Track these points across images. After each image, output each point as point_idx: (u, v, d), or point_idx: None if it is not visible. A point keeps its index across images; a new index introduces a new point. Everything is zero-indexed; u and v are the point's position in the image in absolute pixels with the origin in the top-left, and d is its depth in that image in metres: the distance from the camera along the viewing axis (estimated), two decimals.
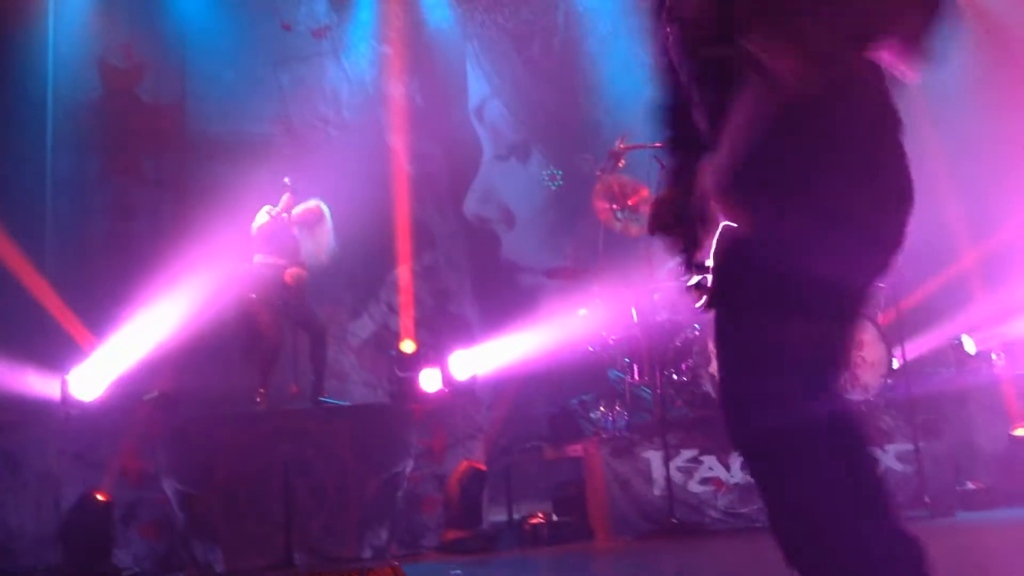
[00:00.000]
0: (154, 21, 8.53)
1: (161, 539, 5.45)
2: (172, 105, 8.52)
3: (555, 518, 6.30)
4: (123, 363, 6.29)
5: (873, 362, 6.46)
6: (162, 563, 5.44)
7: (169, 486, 5.47)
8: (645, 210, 7.19)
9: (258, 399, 6.36)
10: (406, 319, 8.52)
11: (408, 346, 8.01)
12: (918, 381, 6.65)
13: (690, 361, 6.49)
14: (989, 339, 7.68)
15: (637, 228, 7.24)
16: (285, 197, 6.87)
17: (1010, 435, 7.01)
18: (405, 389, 6.56)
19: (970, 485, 6.72)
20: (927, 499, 6.11)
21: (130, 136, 8.33)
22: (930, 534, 4.68)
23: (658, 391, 6.51)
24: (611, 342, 7.12)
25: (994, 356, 7.58)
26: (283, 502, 5.47)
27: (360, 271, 8.53)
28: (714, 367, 6.43)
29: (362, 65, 9.14)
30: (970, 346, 7.64)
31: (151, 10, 8.51)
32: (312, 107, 8.94)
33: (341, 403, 6.56)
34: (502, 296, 9.08)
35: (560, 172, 7.61)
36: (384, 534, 5.75)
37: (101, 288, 7.21)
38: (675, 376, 6.60)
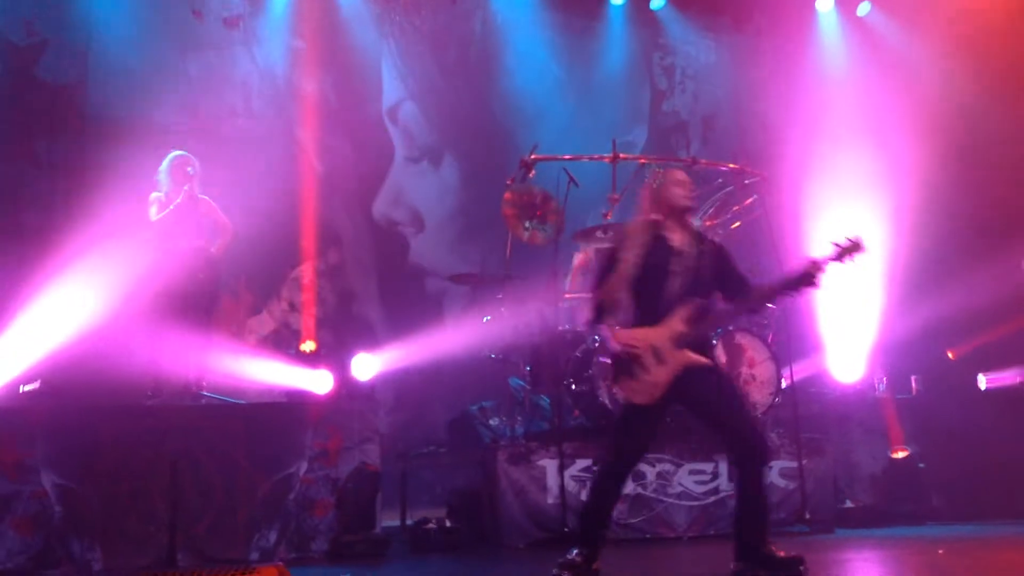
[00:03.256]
0: None
1: (36, 534, 5.20)
2: (72, 86, 8.23)
3: (448, 524, 6.28)
4: (8, 353, 6.04)
5: (762, 380, 6.66)
6: (36, 559, 5.19)
7: (48, 479, 5.26)
8: (553, 220, 7.27)
9: (150, 392, 6.17)
10: (308, 318, 8.39)
11: (308, 345, 7.90)
12: (804, 401, 6.90)
13: (589, 372, 6.58)
14: (871, 364, 8.02)
15: (544, 238, 7.31)
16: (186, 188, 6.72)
17: (889, 457, 7.33)
18: (302, 389, 6.46)
19: (849, 503, 7.00)
20: (808, 515, 6.34)
21: (25, 117, 7.99)
22: (809, 548, 4.83)
23: (557, 400, 6.58)
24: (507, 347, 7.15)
25: (876, 381, 7.92)
26: (168, 500, 5.32)
27: (262, 267, 8.35)
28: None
29: (274, 57, 8.98)
30: (845, 371, 7.96)
31: None
32: (220, 97, 8.73)
33: (235, 400, 6.41)
34: (407, 299, 9.04)
35: None
36: (273, 536, 5.64)
37: None
38: (574, 386, 6.68)
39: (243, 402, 6.38)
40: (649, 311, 4.33)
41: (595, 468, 4.75)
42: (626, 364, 4.30)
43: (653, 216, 4.45)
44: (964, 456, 7.19)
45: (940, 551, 5.57)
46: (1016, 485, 6.98)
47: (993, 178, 8.78)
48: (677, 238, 4.42)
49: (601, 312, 4.39)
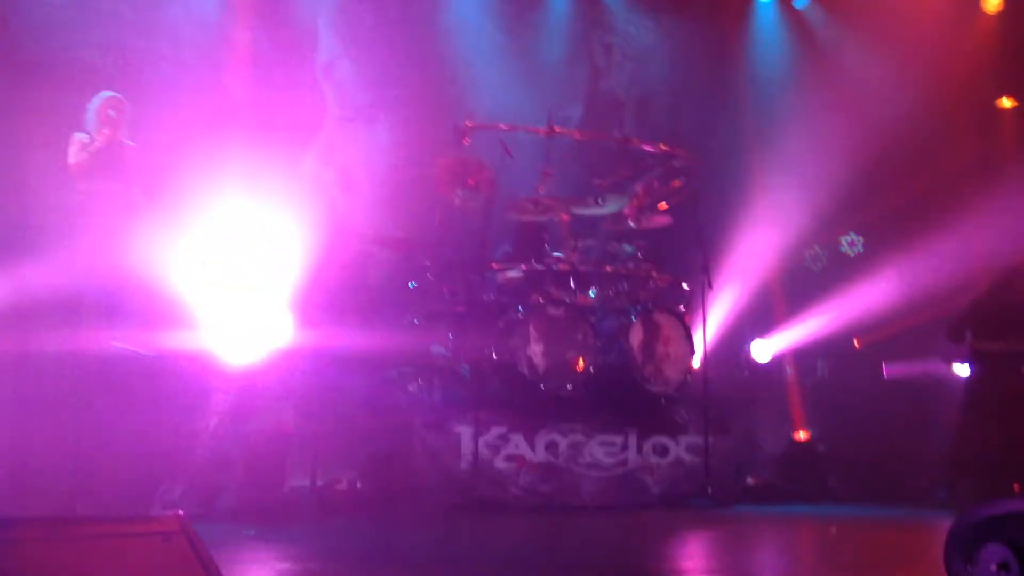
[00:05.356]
0: None
1: None
2: None
3: (359, 485, 6.29)
4: None
5: (676, 358, 6.81)
6: None
7: None
8: (485, 189, 7.27)
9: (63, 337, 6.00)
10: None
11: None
12: (715, 380, 7.07)
13: (511, 342, 6.62)
14: (780, 348, 8.24)
15: (475, 206, 7.32)
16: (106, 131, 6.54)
17: (791, 438, 7.58)
18: (219, 347, 6.37)
19: (750, 480, 7.23)
20: (710, 490, 6.51)
21: None
22: (710, 521, 4.97)
23: (476, 369, 6.62)
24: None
25: (785, 364, 8.15)
26: (70, 448, 5.22)
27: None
28: (532, 349, 6.59)
29: (207, 5, 8.74)
30: (760, 353, 8.16)
31: None
32: (149, 41, 8.46)
33: (145, 353, 6.28)
34: (330, 261, 8.93)
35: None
36: (178, 490, 5.59)
37: None
38: (495, 356, 6.72)
39: (153, 354, 6.26)
40: None
41: None
42: None
43: None
44: (863, 441, 7.46)
45: (832, 529, 5.80)
46: (910, 471, 7.27)
47: (919, 178, 8.98)
48: None
49: None
